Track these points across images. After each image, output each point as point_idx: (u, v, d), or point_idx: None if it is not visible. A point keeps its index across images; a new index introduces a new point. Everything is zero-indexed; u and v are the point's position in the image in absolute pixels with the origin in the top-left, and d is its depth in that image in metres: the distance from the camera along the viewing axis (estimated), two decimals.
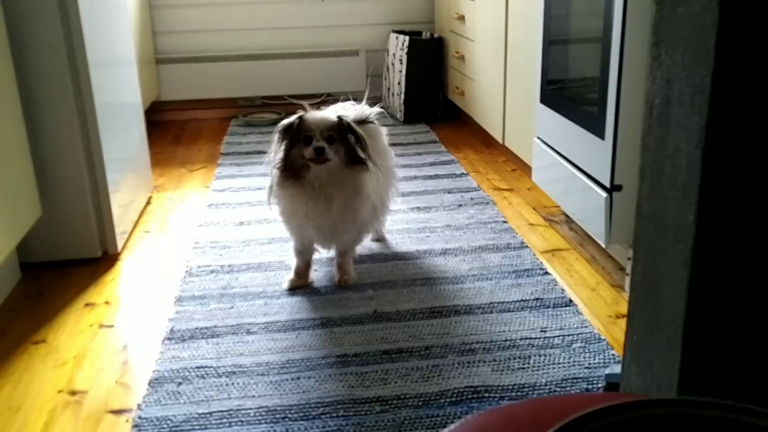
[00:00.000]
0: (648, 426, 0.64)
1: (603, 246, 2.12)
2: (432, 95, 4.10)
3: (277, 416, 1.57)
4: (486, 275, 2.19)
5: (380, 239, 2.46)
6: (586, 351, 1.78)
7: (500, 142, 3.26)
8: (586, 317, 1.94)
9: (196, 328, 1.94)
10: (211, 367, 1.76)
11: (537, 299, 2.04)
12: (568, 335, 1.85)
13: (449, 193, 2.91)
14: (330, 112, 2.08)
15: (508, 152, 3.26)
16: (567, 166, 2.25)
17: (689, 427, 0.64)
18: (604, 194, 1.99)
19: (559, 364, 1.73)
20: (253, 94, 4.36)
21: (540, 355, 1.77)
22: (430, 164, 3.29)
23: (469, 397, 1.62)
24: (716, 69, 0.94)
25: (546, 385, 1.66)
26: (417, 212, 2.71)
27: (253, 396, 1.64)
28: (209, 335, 1.90)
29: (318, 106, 2.23)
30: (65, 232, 2.32)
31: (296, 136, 2.00)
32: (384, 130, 2.28)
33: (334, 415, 1.56)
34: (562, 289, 2.09)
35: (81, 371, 1.78)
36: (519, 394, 1.63)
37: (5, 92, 2.03)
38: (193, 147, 3.78)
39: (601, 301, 2.04)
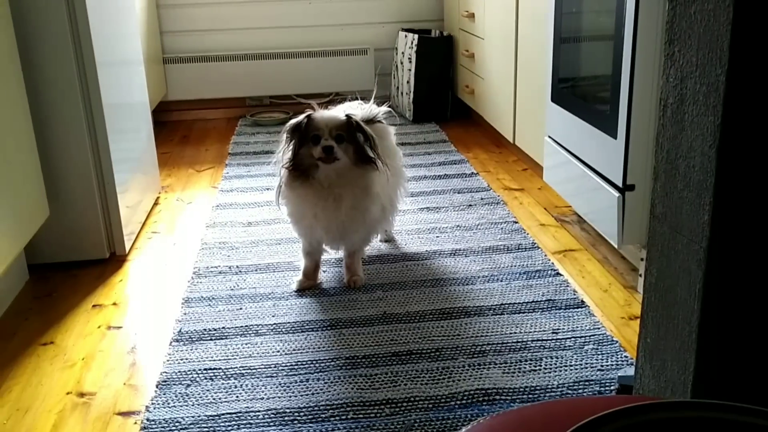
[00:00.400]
0: (663, 429, 0.63)
1: (615, 246, 2.10)
2: (441, 94, 4.08)
3: (286, 419, 1.55)
4: (497, 276, 2.17)
5: (389, 240, 2.45)
6: (599, 353, 1.76)
7: (511, 141, 3.24)
8: (598, 319, 1.92)
9: (204, 330, 1.93)
10: (220, 368, 1.75)
11: (548, 300, 2.02)
12: (580, 337, 1.83)
13: (459, 193, 2.89)
14: (338, 112, 2.06)
15: (519, 151, 3.24)
16: (579, 165, 2.23)
17: (705, 430, 0.63)
18: (616, 194, 1.97)
19: (571, 366, 1.71)
20: (261, 93, 4.35)
21: (552, 357, 1.75)
22: (440, 164, 3.28)
23: (480, 399, 1.60)
24: (730, 67, 0.92)
25: (558, 387, 1.64)
26: (426, 212, 2.69)
27: (262, 398, 1.63)
28: (217, 337, 1.89)
29: (326, 105, 2.22)
30: (73, 233, 2.31)
31: (305, 136, 1.99)
32: (392, 130, 2.27)
33: (344, 417, 1.55)
34: (574, 291, 2.07)
35: (89, 373, 1.78)
36: (530, 396, 1.61)
37: (13, 93, 2.03)
38: (201, 147, 3.78)
39: (614, 302, 2.02)
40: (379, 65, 4.29)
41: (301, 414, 1.57)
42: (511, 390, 1.63)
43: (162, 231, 2.66)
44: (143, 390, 1.70)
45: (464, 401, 1.59)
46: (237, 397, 1.64)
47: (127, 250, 2.42)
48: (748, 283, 1.01)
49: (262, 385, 1.68)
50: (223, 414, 1.58)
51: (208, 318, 1.99)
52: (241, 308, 2.03)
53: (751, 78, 0.93)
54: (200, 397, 1.64)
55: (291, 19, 4.26)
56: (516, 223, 2.57)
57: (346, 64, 4.27)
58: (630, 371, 1.54)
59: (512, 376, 1.68)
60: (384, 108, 2.19)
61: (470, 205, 2.75)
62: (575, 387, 1.64)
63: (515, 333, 1.86)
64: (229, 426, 1.54)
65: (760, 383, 1.05)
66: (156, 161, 2.98)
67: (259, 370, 1.74)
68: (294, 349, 1.82)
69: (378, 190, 2.06)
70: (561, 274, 2.17)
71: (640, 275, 2.04)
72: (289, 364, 1.76)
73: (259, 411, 1.58)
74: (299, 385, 1.67)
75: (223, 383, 1.69)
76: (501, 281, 2.14)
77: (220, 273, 2.26)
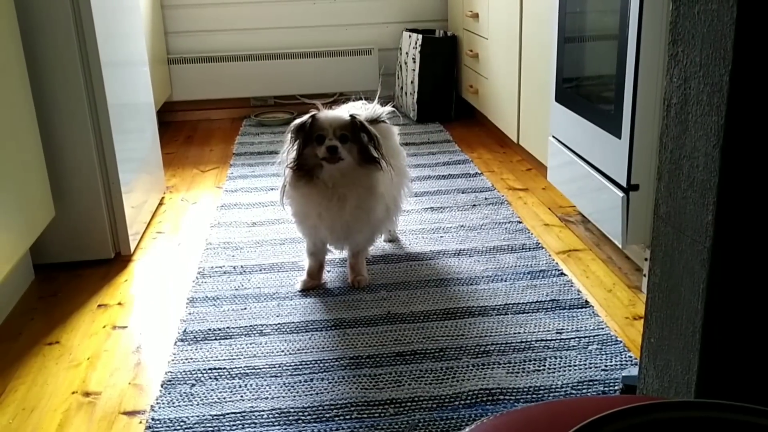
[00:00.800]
0: (667, 429, 0.63)
1: (620, 246, 2.10)
2: (445, 94, 4.08)
3: (290, 418, 1.56)
4: (501, 276, 2.17)
5: (393, 240, 2.45)
6: (603, 353, 1.76)
7: (515, 141, 3.24)
8: (602, 319, 1.92)
9: (209, 330, 1.93)
10: (224, 368, 1.75)
11: (552, 300, 2.02)
12: (584, 337, 1.83)
13: (463, 193, 2.89)
14: (342, 112, 2.07)
15: (523, 151, 3.24)
16: (583, 165, 2.23)
17: (709, 430, 0.63)
18: (620, 194, 1.97)
19: (575, 366, 1.71)
20: (266, 93, 4.36)
21: (556, 357, 1.75)
22: (444, 164, 3.28)
23: (484, 399, 1.60)
24: (734, 67, 0.92)
25: (562, 387, 1.64)
26: (431, 212, 2.69)
27: (266, 398, 1.63)
28: (222, 336, 1.89)
29: (330, 105, 2.22)
30: (78, 233, 2.32)
31: (309, 136, 1.99)
32: (396, 130, 2.27)
33: (348, 417, 1.55)
34: (578, 291, 2.07)
35: (95, 372, 1.78)
36: (534, 396, 1.61)
37: (19, 94, 2.04)
38: (206, 147, 3.78)
39: (618, 302, 2.02)
40: (383, 65, 4.30)
41: (305, 414, 1.57)
42: (515, 390, 1.63)
43: (167, 231, 2.67)
44: (148, 389, 1.70)
45: (468, 401, 1.60)
46: (241, 396, 1.64)
47: (132, 250, 2.43)
48: (752, 283, 1.01)
49: (267, 385, 1.68)
50: (227, 413, 1.58)
51: (212, 318, 1.99)
52: (245, 308, 2.04)
53: (754, 78, 0.93)
54: (205, 397, 1.64)
55: (295, 19, 4.26)
56: (520, 223, 2.57)
57: (350, 65, 4.28)
58: (634, 371, 1.54)
59: (516, 376, 1.68)
60: (388, 108, 2.19)
61: (474, 205, 2.75)
62: (579, 387, 1.64)
63: (519, 333, 1.86)
64: (233, 425, 1.54)
65: (764, 383, 1.05)
66: (161, 161, 2.99)
67: (263, 369, 1.74)
68: (298, 349, 1.83)
69: (382, 190, 2.06)
70: (565, 274, 2.17)
71: (645, 275, 2.04)
72: (293, 364, 1.76)
73: (263, 411, 1.59)
74: (303, 385, 1.68)
75: (227, 383, 1.69)
76: (505, 281, 2.14)
77: (224, 273, 2.26)
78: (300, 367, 1.75)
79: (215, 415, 1.58)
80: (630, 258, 2.23)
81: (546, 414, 0.73)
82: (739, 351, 1.04)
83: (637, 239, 2.00)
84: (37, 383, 1.74)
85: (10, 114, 1.97)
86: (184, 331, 1.93)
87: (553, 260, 2.26)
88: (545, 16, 2.65)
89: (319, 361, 1.77)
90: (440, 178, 3.08)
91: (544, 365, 1.72)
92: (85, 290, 2.21)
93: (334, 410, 1.58)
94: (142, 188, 2.65)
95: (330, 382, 1.68)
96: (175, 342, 1.88)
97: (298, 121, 2.02)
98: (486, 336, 1.85)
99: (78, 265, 2.34)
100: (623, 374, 1.61)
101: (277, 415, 1.57)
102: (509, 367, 1.72)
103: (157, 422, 1.56)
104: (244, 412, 1.58)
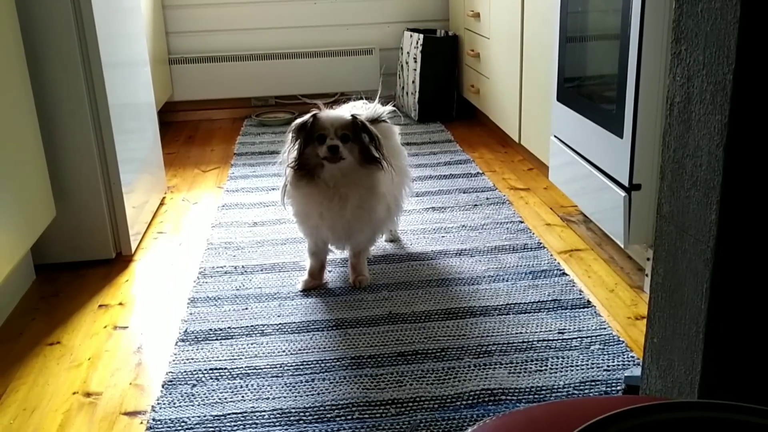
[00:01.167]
0: (670, 429, 0.63)
1: (622, 246, 2.10)
2: (447, 94, 4.08)
3: (292, 419, 1.55)
4: (502, 276, 2.17)
5: (395, 240, 2.44)
6: (605, 353, 1.76)
7: (516, 140, 3.24)
8: (604, 319, 1.91)
9: (210, 330, 1.93)
10: (225, 368, 1.75)
11: (554, 300, 2.01)
12: (587, 337, 1.83)
13: (465, 192, 2.89)
14: (343, 111, 2.06)
15: (525, 151, 3.24)
16: (585, 165, 2.22)
17: (711, 430, 0.63)
18: (622, 193, 1.96)
19: (577, 366, 1.71)
20: (267, 93, 4.36)
21: (558, 358, 1.75)
22: (445, 164, 3.27)
23: (486, 399, 1.60)
24: (737, 66, 0.92)
25: (564, 387, 1.63)
26: (432, 212, 2.69)
27: (267, 398, 1.63)
28: (223, 337, 1.89)
29: (331, 105, 2.22)
30: (79, 233, 2.32)
31: (310, 135, 1.99)
32: (397, 129, 2.26)
33: (349, 417, 1.55)
34: (580, 290, 2.06)
35: (96, 373, 1.78)
36: (536, 397, 1.60)
37: (20, 94, 2.04)
38: (207, 147, 3.78)
39: (620, 302, 2.01)
40: (384, 65, 4.29)
41: (307, 414, 1.57)
42: (517, 390, 1.62)
43: (168, 231, 2.67)
44: (149, 390, 1.70)
45: (470, 401, 1.59)
46: (242, 397, 1.64)
47: (133, 250, 2.43)
48: (756, 282, 1.00)
49: (268, 385, 1.68)
50: (228, 414, 1.58)
51: (213, 318, 1.99)
52: (246, 308, 2.03)
53: (758, 76, 0.92)
54: (206, 397, 1.64)
55: (296, 19, 4.26)
56: (522, 222, 2.56)
57: (352, 64, 4.27)
58: (637, 371, 1.53)
59: (518, 377, 1.67)
60: (389, 107, 2.19)
61: (476, 205, 2.74)
62: (581, 387, 1.63)
63: (521, 333, 1.86)
64: (234, 426, 1.54)
65: (767, 383, 1.05)
66: (162, 161, 2.99)
67: (264, 370, 1.74)
68: (299, 349, 1.82)
69: (383, 189, 2.05)
70: (567, 274, 2.16)
71: (647, 275, 2.04)
72: (294, 364, 1.76)
73: (264, 411, 1.58)
74: (305, 385, 1.67)
75: (228, 383, 1.69)
76: (507, 281, 2.13)
77: (225, 273, 2.26)
78: (301, 367, 1.75)
79: (216, 416, 1.57)
80: (632, 258, 2.23)
81: (548, 414, 0.73)
82: (743, 351, 1.04)
83: (639, 239, 1.99)
84: (38, 383, 1.74)
85: (11, 114, 1.96)
86: (185, 331, 1.93)
87: (555, 260, 2.26)
88: (547, 15, 2.65)
89: (320, 362, 1.76)
90: (441, 177, 3.08)
91: (546, 365, 1.72)
92: (86, 290, 2.20)
93: (336, 410, 1.57)
94: (143, 188, 2.65)
95: (331, 383, 1.68)
96: (176, 342, 1.88)
97: (299, 120, 2.02)
98: (488, 336, 1.85)
99: (79, 265, 2.34)
100: (626, 374, 1.60)
101: (278, 415, 1.57)
102: (511, 367, 1.71)
103: (158, 423, 1.56)
104: (246, 412, 1.58)
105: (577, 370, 1.69)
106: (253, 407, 1.60)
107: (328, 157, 1.95)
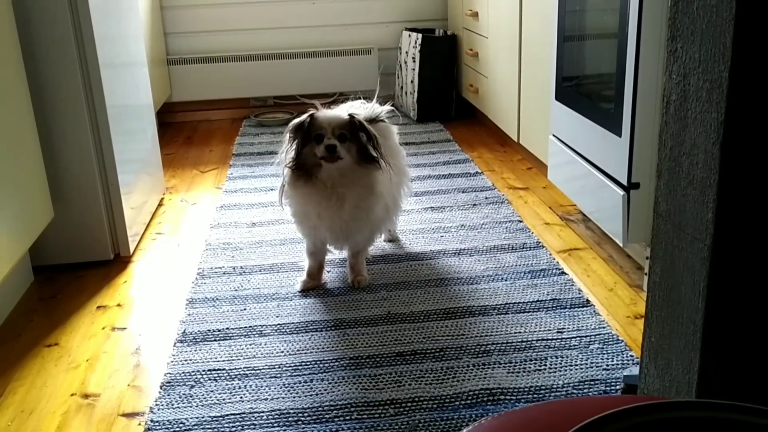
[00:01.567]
0: (668, 429, 0.63)
1: (620, 245, 2.09)
2: (445, 93, 4.07)
3: (290, 419, 1.55)
4: (501, 275, 2.16)
5: (393, 240, 2.44)
6: (604, 352, 1.75)
7: (515, 140, 3.23)
8: (603, 318, 1.91)
9: (208, 331, 1.92)
10: (224, 369, 1.75)
11: (553, 300, 2.01)
12: (586, 336, 1.82)
13: (463, 192, 2.88)
14: (341, 111, 2.06)
15: (524, 150, 3.23)
16: (583, 164, 2.22)
17: (709, 430, 0.63)
18: (621, 192, 1.96)
19: (576, 365, 1.71)
20: (265, 94, 4.36)
21: (557, 357, 1.74)
22: (444, 163, 3.27)
23: (485, 399, 1.59)
24: (733, 63, 0.92)
25: (563, 387, 1.63)
26: (431, 212, 2.69)
27: (266, 399, 1.63)
28: (221, 337, 1.89)
29: (330, 105, 2.22)
30: (77, 234, 2.32)
31: (308, 135, 1.99)
32: (395, 129, 2.26)
33: (348, 418, 1.55)
34: (579, 290, 2.06)
35: (94, 374, 1.78)
36: (535, 396, 1.60)
37: (17, 95, 2.03)
38: (205, 148, 3.78)
39: (619, 301, 2.01)
40: (382, 65, 4.29)
41: (305, 414, 1.56)
42: (515, 390, 1.62)
43: (166, 232, 2.66)
44: (147, 391, 1.70)
45: (469, 401, 1.59)
46: (241, 397, 1.63)
47: (131, 251, 2.43)
48: (753, 280, 1.00)
49: (266, 386, 1.67)
50: (227, 415, 1.57)
51: (212, 319, 1.99)
52: (245, 309, 2.03)
53: (754, 74, 0.92)
54: (204, 398, 1.64)
55: (295, 19, 4.26)
56: (521, 222, 2.56)
57: (350, 64, 4.27)
58: (635, 370, 1.53)
59: (517, 376, 1.67)
60: (387, 107, 2.19)
61: (475, 205, 2.74)
62: (580, 386, 1.63)
63: (520, 332, 1.85)
64: (233, 427, 1.53)
65: (765, 383, 1.04)
66: (160, 162, 2.99)
67: (263, 370, 1.74)
68: (298, 350, 1.82)
69: (381, 189, 2.05)
70: (566, 273, 2.16)
71: (646, 274, 2.03)
72: (293, 365, 1.75)
73: (263, 412, 1.58)
74: (303, 386, 1.67)
75: (227, 384, 1.69)
76: (505, 280, 2.13)
77: (224, 274, 2.25)
78: (300, 367, 1.74)
79: (215, 417, 1.57)
80: (631, 256, 2.23)
81: (546, 414, 0.73)
82: (741, 350, 1.04)
83: (638, 238, 1.99)
84: (36, 385, 1.74)
85: (8, 115, 1.96)
86: (184, 332, 1.93)
87: (554, 259, 2.26)
88: (545, 14, 2.65)
89: (319, 362, 1.76)
90: (440, 177, 3.08)
91: (545, 365, 1.71)
92: (85, 292, 2.20)
93: (334, 411, 1.57)
94: (142, 189, 2.64)
95: (330, 383, 1.68)
96: (175, 343, 1.88)
97: (296, 120, 2.01)
98: (486, 335, 1.85)
99: (77, 266, 2.34)
100: (624, 374, 1.60)
101: (276, 416, 1.56)
102: (510, 366, 1.71)
103: (157, 424, 1.55)
104: (244, 413, 1.58)
105: (576, 369, 1.69)
106: (251, 408, 1.59)
107: (325, 156, 1.95)
